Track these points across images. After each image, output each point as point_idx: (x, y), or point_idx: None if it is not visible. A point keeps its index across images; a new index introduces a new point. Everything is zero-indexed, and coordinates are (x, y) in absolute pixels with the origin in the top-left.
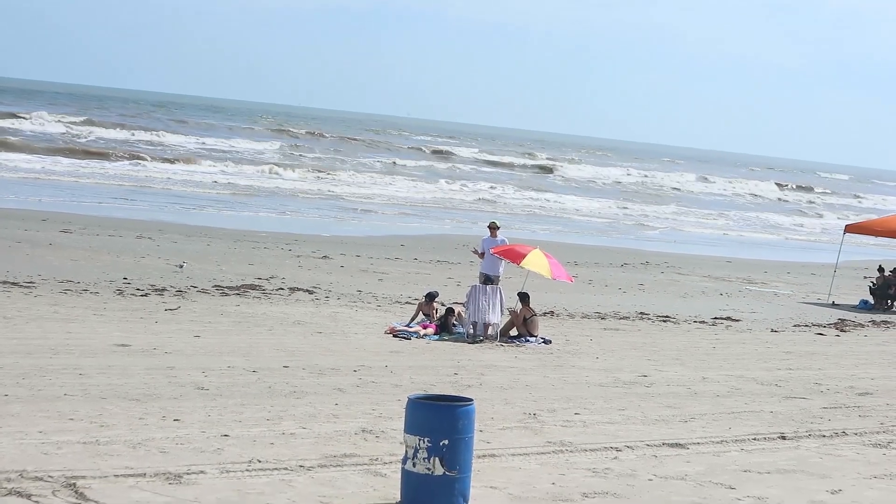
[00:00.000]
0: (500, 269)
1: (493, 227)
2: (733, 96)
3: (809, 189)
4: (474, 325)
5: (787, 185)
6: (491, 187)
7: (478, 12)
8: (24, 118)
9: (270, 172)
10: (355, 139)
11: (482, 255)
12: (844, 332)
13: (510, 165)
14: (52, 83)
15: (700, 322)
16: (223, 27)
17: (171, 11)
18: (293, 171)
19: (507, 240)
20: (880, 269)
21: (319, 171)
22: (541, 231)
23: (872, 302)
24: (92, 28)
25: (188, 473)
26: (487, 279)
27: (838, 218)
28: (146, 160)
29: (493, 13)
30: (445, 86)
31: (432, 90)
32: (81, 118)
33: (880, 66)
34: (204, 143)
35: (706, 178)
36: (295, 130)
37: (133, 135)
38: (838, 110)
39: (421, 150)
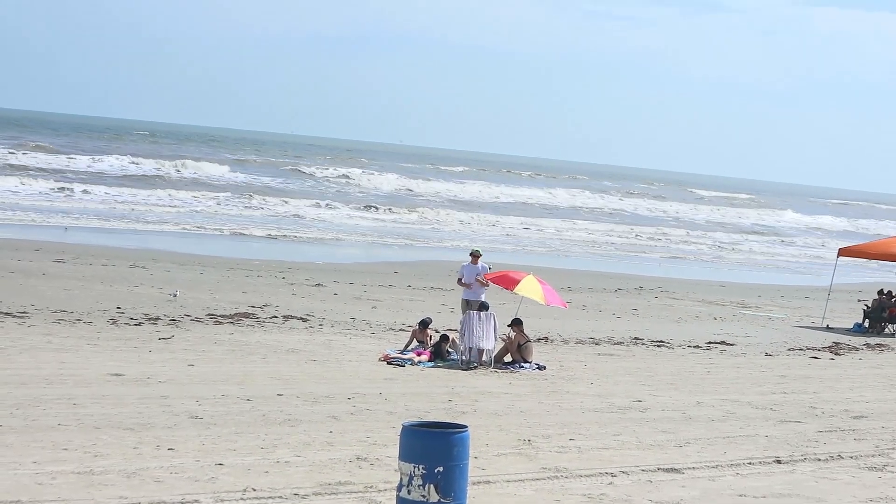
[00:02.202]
0: (482, 296)
1: (474, 255)
2: (724, 120)
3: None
4: (468, 351)
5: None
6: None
7: (467, 38)
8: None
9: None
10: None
11: (458, 280)
12: (839, 355)
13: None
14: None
15: (694, 347)
16: (211, 55)
17: (162, 39)
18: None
19: (489, 266)
20: (880, 293)
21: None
22: (534, 255)
23: (867, 325)
24: (79, 55)
25: (183, 503)
26: (469, 305)
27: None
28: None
29: (494, 38)
30: (435, 111)
31: (423, 115)
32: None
33: (872, 87)
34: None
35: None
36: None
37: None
38: (828, 133)
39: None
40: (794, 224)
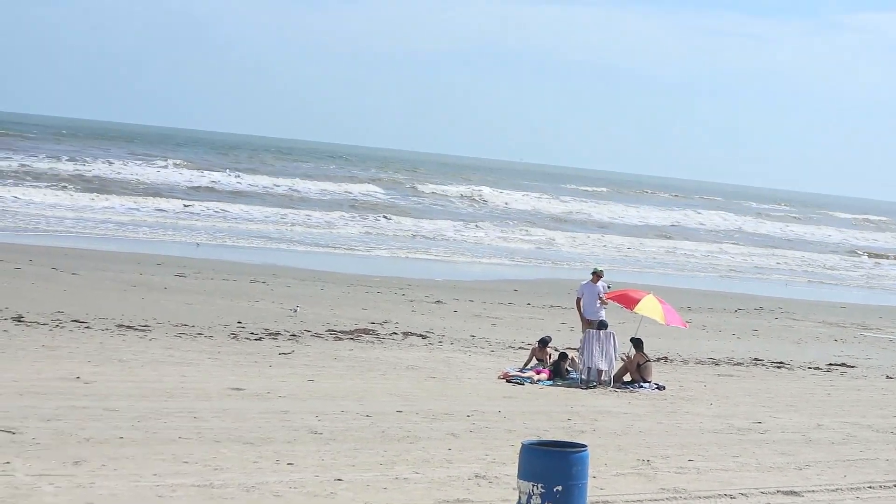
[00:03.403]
0: (602, 314)
1: (595, 274)
2: (835, 138)
3: None
4: (588, 370)
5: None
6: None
7: (578, 54)
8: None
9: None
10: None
11: (577, 300)
12: None
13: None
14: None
15: (815, 368)
16: (328, 72)
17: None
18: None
19: (608, 286)
20: None
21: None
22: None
23: None
24: (174, 71)
25: None
26: (590, 324)
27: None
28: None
29: (594, 52)
30: (562, 129)
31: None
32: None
33: None
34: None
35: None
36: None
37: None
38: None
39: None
40: None
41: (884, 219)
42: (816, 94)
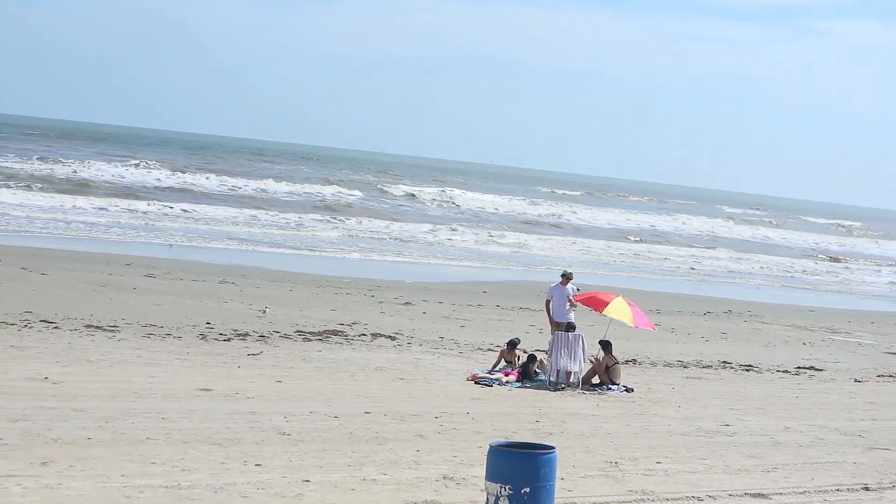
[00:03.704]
0: (571, 316)
1: (565, 276)
2: (810, 143)
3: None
4: (556, 372)
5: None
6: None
7: (558, 60)
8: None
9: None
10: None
11: (546, 302)
12: None
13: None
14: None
15: (783, 371)
16: (301, 75)
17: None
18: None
19: (577, 288)
20: None
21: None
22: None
23: None
24: (146, 71)
25: None
26: (559, 326)
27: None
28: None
29: (565, 60)
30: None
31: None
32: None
33: None
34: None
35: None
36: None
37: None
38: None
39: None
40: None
41: (856, 223)
42: (790, 100)
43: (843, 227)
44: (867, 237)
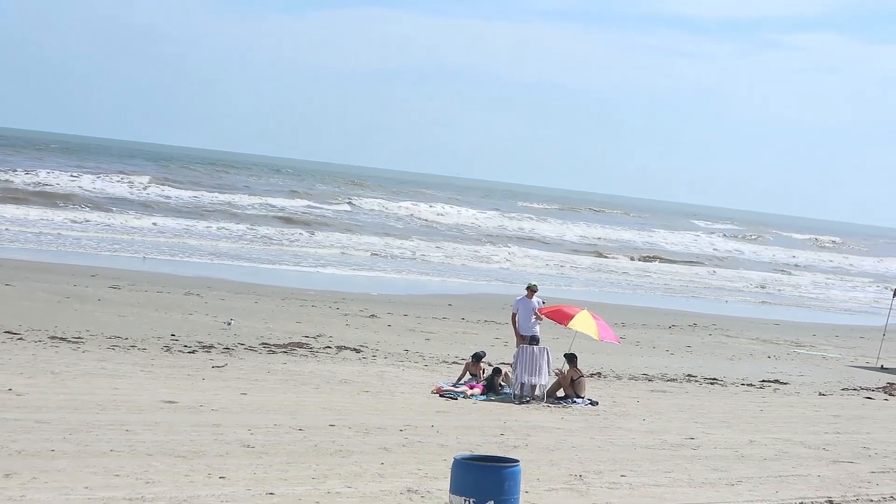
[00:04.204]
0: (537, 329)
1: (530, 289)
2: (774, 157)
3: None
4: (521, 385)
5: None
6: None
7: (521, 72)
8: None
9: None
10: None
11: (512, 316)
12: (893, 395)
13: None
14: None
15: (748, 385)
16: (268, 86)
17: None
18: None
19: (543, 301)
20: None
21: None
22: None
23: None
24: (110, 82)
25: None
26: (524, 339)
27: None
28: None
29: (534, 72)
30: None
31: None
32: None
33: None
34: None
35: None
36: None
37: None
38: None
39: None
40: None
41: (836, 239)
42: (758, 112)
43: (820, 242)
44: (838, 251)
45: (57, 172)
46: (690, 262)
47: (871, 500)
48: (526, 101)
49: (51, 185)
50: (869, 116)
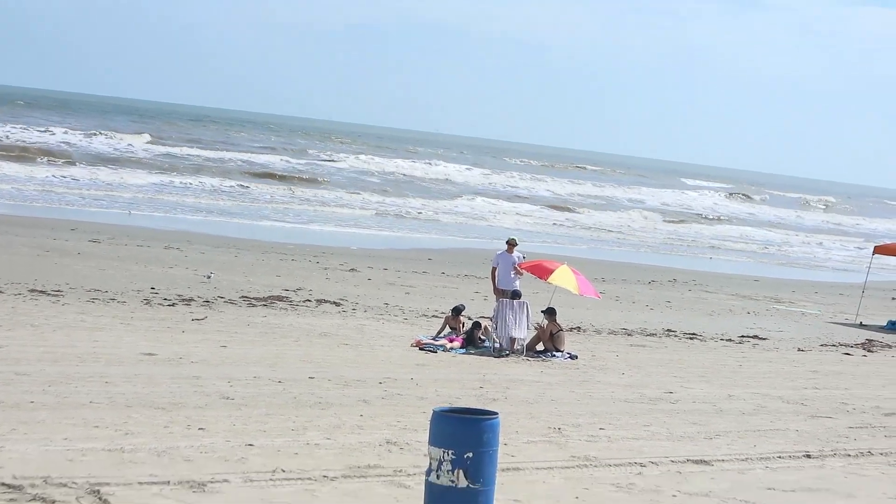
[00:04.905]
0: (517, 284)
1: (510, 244)
2: (763, 115)
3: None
4: (501, 339)
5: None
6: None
7: (500, 29)
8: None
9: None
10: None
11: (493, 270)
12: (872, 352)
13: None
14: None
15: (727, 340)
16: (239, 40)
17: (188, 24)
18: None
19: (523, 256)
20: None
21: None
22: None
23: None
24: (111, 38)
25: (212, 482)
26: (504, 293)
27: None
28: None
29: (516, 31)
30: (469, 100)
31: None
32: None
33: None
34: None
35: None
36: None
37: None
38: (866, 131)
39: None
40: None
41: (811, 198)
42: (746, 72)
43: (807, 201)
44: (826, 211)
45: (33, 129)
46: (675, 220)
47: (849, 455)
48: (505, 59)
49: (23, 141)
50: (853, 77)
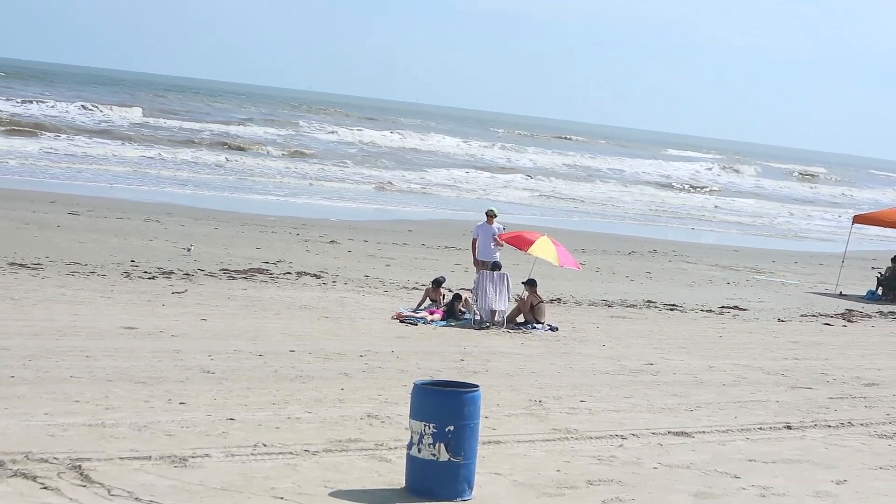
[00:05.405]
0: (497, 255)
1: (490, 215)
2: (739, 86)
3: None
4: (481, 311)
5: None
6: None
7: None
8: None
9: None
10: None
11: (473, 241)
12: (851, 322)
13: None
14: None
15: (707, 311)
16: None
17: None
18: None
19: (503, 227)
20: (893, 260)
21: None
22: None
23: (880, 293)
24: (93, 10)
25: (193, 457)
26: (484, 265)
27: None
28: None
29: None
30: (451, 71)
31: (438, 76)
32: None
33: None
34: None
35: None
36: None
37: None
38: (845, 102)
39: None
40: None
41: (795, 167)
42: (730, 43)
43: (799, 172)
44: (809, 181)
45: (13, 99)
46: (658, 190)
47: (829, 426)
48: (489, 28)
49: (5, 111)
50: (836, 48)
